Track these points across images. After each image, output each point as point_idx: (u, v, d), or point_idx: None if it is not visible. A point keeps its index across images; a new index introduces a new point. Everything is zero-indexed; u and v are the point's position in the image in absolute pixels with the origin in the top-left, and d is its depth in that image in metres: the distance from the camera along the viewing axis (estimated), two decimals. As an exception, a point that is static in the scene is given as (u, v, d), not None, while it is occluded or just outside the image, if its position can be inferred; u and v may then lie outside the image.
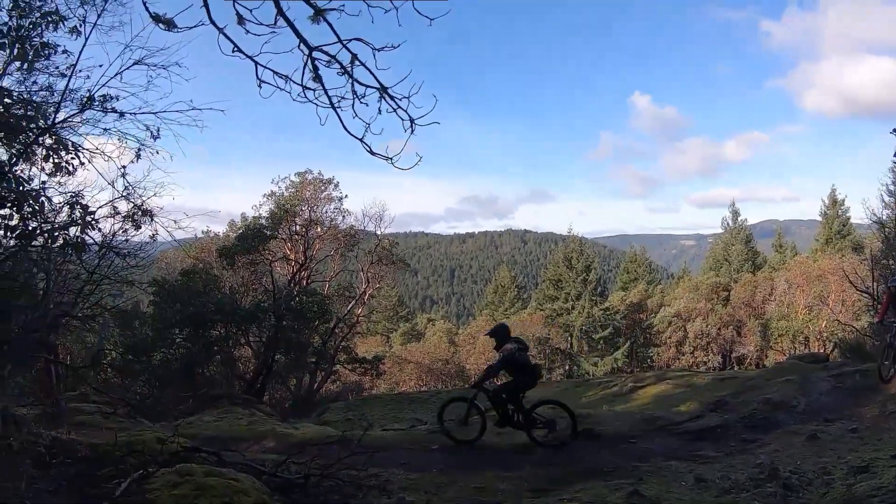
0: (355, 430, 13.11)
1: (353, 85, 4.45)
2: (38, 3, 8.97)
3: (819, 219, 64.17)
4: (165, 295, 26.99)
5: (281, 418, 19.43)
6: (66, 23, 9.09)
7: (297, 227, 33.13)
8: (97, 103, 9.78)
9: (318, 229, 34.31)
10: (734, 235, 70.52)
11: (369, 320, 44.04)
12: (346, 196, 34.65)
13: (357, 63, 4.35)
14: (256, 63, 4.30)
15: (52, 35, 9.18)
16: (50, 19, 8.97)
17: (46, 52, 9.30)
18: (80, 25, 9.13)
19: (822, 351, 38.26)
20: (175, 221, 11.00)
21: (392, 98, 4.46)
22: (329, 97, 4.43)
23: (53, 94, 9.81)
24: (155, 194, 10.74)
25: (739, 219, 72.07)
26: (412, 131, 4.54)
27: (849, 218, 60.74)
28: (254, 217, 33.32)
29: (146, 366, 25.97)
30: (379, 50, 4.29)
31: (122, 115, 10.16)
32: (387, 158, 4.52)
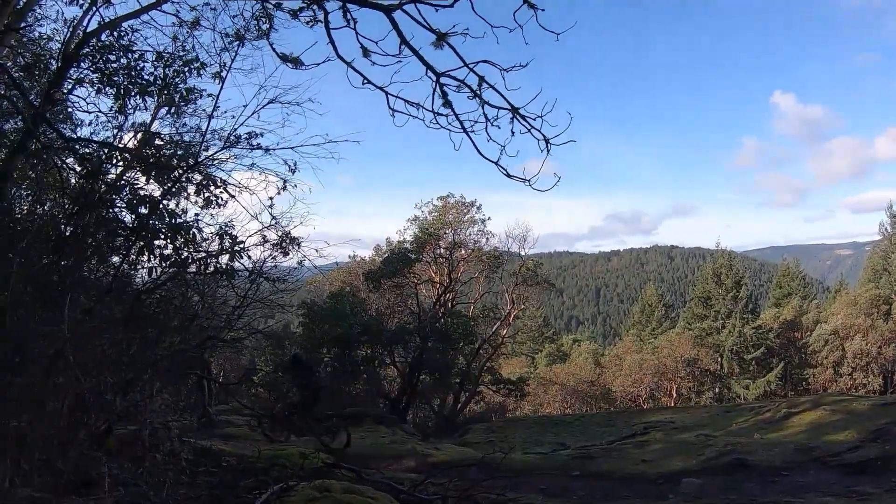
0: (496, 453, 13.02)
1: (483, 108, 4.40)
2: (182, 53, 9.58)
3: None
4: (314, 317, 27.88)
5: (422, 438, 19.63)
6: (207, 69, 9.68)
7: (441, 250, 33.69)
8: (243, 140, 10.26)
9: (462, 251, 34.58)
10: (894, 242, 66.54)
11: (514, 341, 43.89)
12: (489, 218, 34.99)
13: (486, 86, 4.30)
14: (387, 93, 4.32)
15: (195, 80, 9.80)
16: (192, 67, 9.58)
17: (192, 96, 9.93)
18: (223, 71, 9.63)
19: None
20: (317, 250, 11.43)
21: (524, 118, 4.39)
22: (461, 122, 4.42)
23: (199, 135, 10.39)
24: (301, 223, 11.11)
25: (901, 222, 67.98)
26: (548, 151, 4.45)
27: None
28: (398, 241, 34.30)
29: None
30: (507, 70, 4.23)
31: (266, 150, 10.62)
32: (524, 180, 4.46)
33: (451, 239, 33.98)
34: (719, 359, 49.95)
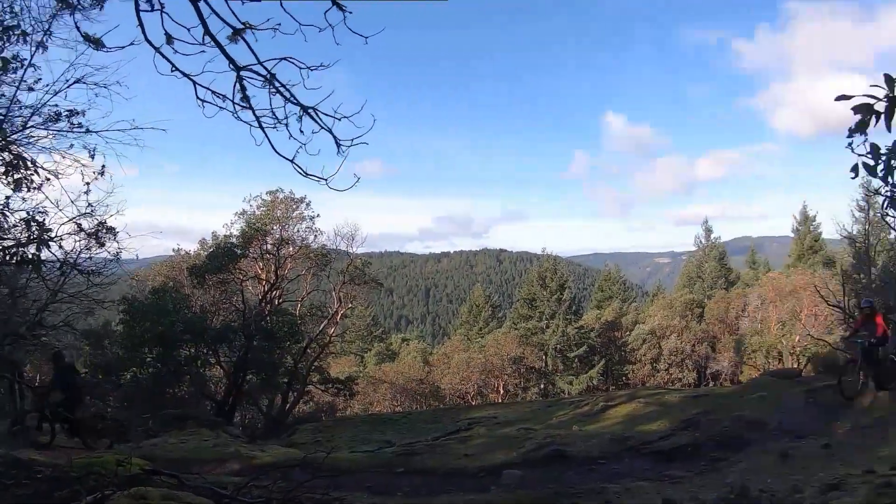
0: (321, 453, 12.87)
1: (285, 106, 4.29)
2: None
3: (791, 235, 65.02)
4: (135, 313, 26.63)
5: (249, 440, 19.18)
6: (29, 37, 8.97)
7: (269, 246, 32.87)
8: (63, 117, 9.65)
9: (290, 248, 33.93)
10: (707, 253, 71.18)
11: (342, 340, 43.55)
12: (318, 215, 34.31)
13: (277, 84, 4.19)
14: (195, 83, 4.12)
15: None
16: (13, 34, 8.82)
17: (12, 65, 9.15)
18: (45, 38, 9.03)
19: (795, 366, 38.41)
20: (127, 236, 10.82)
21: (317, 119, 4.29)
22: (257, 117, 4.25)
23: (9, 108, 9.65)
24: (118, 212, 10.57)
25: (712, 236, 72.97)
26: (339, 151, 4.37)
27: (820, 234, 61.77)
28: (224, 236, 33.01)
29: (115, 386, 25.73)
30: (312, 69, 4.13)
31: (88, 131, 10.02)
32: (320, 179, 4.34)
33: (279, 235, 33.23)
34: (544, 357, 51.27)
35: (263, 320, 28.92)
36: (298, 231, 34.01)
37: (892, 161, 3.67)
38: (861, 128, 3.45)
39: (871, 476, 8.19)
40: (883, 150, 3.69)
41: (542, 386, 50.57)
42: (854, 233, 28.89)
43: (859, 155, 3.81)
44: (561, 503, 8.69)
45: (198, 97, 4.12)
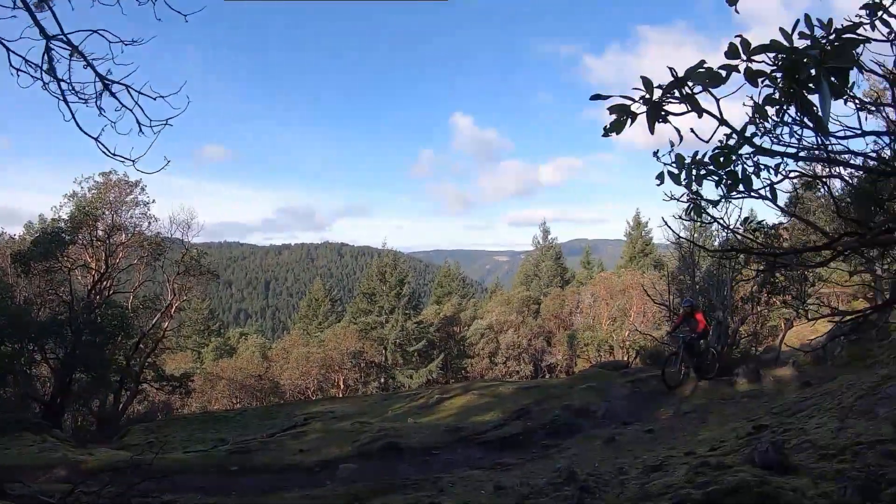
0: (154, 454, 12.45)
1: (96, 82, 4.11)
2: None
3: (624, 238, 68.63)
4: (-50, 304, 24.81)
5: (78, 444, 18.27)
6: None
7: (99, 233, 30.98)
8: None
9: (122, 236, 32.15)
10: (544, 252, 73.45)
11: (178, 335, 42.16)
12: (154, 201, 32.38)
13: (80, 56, 4.02)
14: (8, 49, 3.91)
15: None
16: None
17: None
18: None
19: (625, 359, 39.98)
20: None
21: (117, 96, 4.14)
22: (62, 90, 4.05)
23: None
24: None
25: (550, 237, 75.47)
26: (140, 131, 4.21)
27: (651, 238, 66.08)
28: (52, 219, 30.93)
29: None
30: (125, 43, 3.99)
31: None
32: (126, 160, 4.18)
33: (111, 221, 31.28)
34: (384, 351, 51.34)
35: (92, 313, 27.49)
36: (132, 217, 32.11)
37: (694, 171, 3.85)
38: (617, 128, 3.60)
39: (690, 457, 8.63)
40: (687, 161, 3.87)
41: (382, 380, 50.56)
42: (680, 238, 30.41)
43: (665, 164, 3.99)
44: (395, 494, 8.75)
45: (11, 65, 3.90)
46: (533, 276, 72.31)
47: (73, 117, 4.07)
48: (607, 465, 9.27)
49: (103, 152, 4.10)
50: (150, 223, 33.25)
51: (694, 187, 3.96)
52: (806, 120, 3.49)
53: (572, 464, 9.26)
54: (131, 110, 4.07)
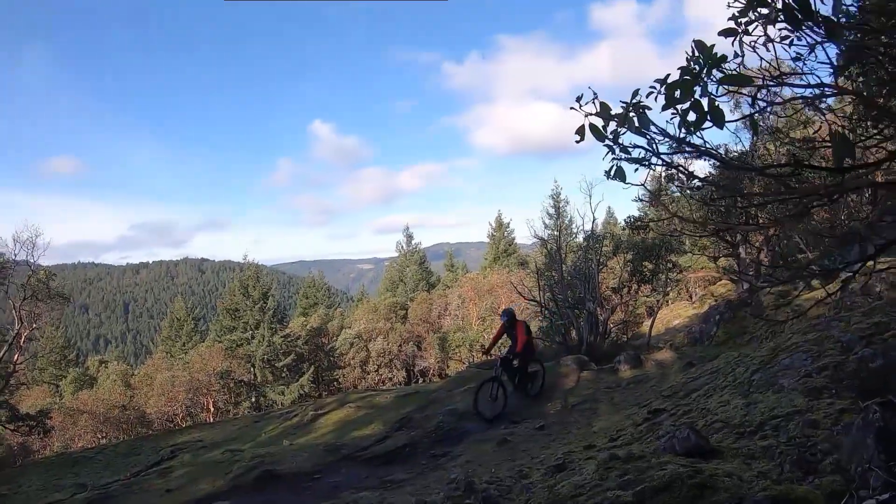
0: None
1: None
2: None
3: (487, 240, 70.79)
4: None
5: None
6: None
7: None
8: None
9: None
10: (408, 258, 73.88)
11: (32, 368, 39.66)
12: None
13: None
14: None
15: None
16: None
17: None
18: None
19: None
20: None
21: None
22: None
23: None
24: None
25: (413, 242, 76.05)
26: None
27: (513, 238, 67.99)
28: None
29: None
30: None
31: None
32: None
33: None
34: (252, 368, 50.09)
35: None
36: (-32, 236, 29.65)
37: (621, 128, 3.39)
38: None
39: (593, 451, 8.25)
40: (614, 112, 3.38)
41: (253, 399, 49.24)
42: (545, 236, 30.85)
43: (587, 115, 3.45)
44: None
45: None
46: (398, 281, 72.63)
47: None
48: (505, 469, 8.81)
49: None
50: None
51: (621, 141, 3.47)
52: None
53: (468, 472, 8.69)
54: None
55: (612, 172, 3.81)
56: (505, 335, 15.75)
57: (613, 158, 3.71)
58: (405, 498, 8.21)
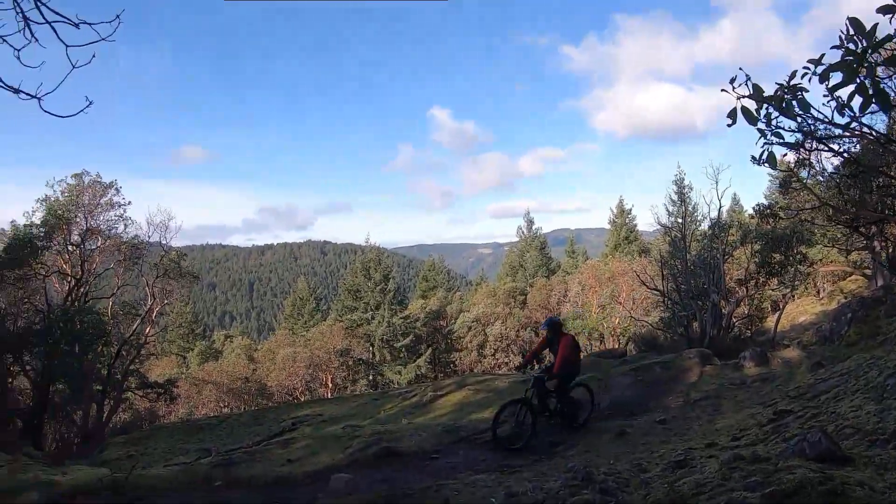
0: (134, 469, 11.66)
1: None
2: None
3: (607, 227, 69.52)
4: (-77, 318, 23.91)
5: (54, 461, 17.42)
6: None
7: (74, 237, 30.07)
8: None
9: (98, 240, 31.19)
10: (529, 243, 73.41)
11: (162, 340, 41.35)
12: (130, 203, 31.27)
13: None
14: None
15: None
16: None
17: None
18: None
19: (616, 346, 39.56)
20: None
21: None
22: None
23: None
24: None
25: (534, 227, 75.16)
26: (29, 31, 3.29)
27: (635, 225, 66.15)
28: (25, 225, 29.30)
29: None
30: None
31: None
32: (27, 95, 3.28)
33: (85, 224, 30.19)
34: (371, 347, 50.94)
35: (70, 321, 26.53)
36: (107, 220, 31.02)
37: (773, 110, 3.24)
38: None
39: (714, 450, 8.03)
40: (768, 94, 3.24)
41: (370, 377, 50.14)
42: (668, 223, 30.06)
43: (738, 97, 3.33)
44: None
45: None
46: (518, 266, 72.22)
47: None
48: (624, 462, 8.66)
49: None
50: (126, 226, 32.06)
51: (775, 123, 3.34)
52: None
53: (586, 463, 8.57)
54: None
55: (763, 157, 3.68)
56: (548, 350, 13.32)
57: (765, 143, 3.57)
58: (522, 484, 8.17)
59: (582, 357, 13.43)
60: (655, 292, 29.40)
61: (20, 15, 3.21)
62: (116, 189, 31.27)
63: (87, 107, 3.42)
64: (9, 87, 3.25)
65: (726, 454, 6.53)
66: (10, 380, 27.10)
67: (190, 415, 41.55)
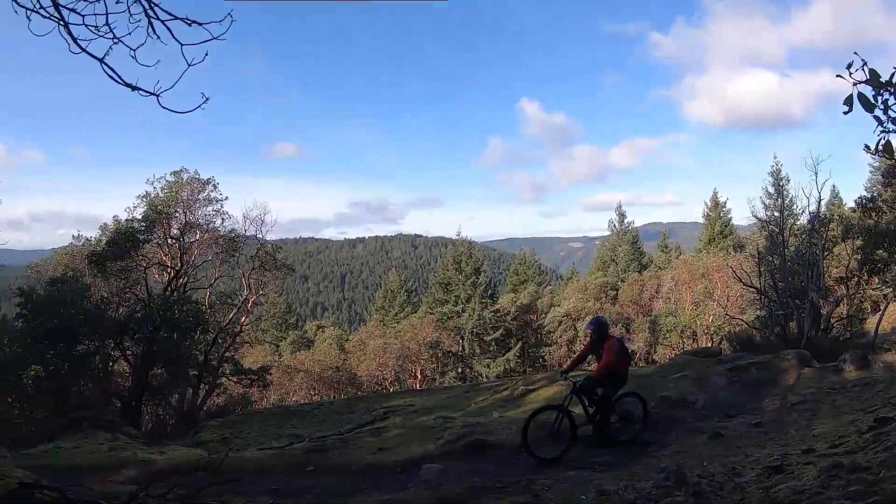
0: (227, 452, 11.94)
1: None
2: None
3: (701, 221, 67.44)
4: (32, 306, 25.01)
5: (151, 441, 17.98)
6: None
7: (174, 231, 31.29)
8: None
9: (196, 233, 32.42)
10: (621, 237, 72.30)
11: (256, 329, 42.40)
12: (227, 198, 32.59)
13: None
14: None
15: None
16: None
17: None
18: None
19: (709, 344, 38.81)
20: None
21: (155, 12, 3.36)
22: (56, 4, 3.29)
23: None
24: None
25: (626, 221, 73.92)
26: (153, 31, 3.38)
27: (730, 219, 63.72)
28: (126, 220, 30.67)
29: (15, 385, 24.17)
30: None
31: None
32: (148, 93, 3.40)
33: (184, 219, 31.50)
34: (461, 340, 51.00)
35: (169, 310, 27.46)
36: (205, 214, 32.26)
37: (890, 96, 3.11)
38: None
39: (811, 456, 7.81)
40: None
41: (459, 370, 50.22)
42: (765, 217, 29.15)
43: (855, 83, 3.21)
44: (485, 499, 8.04)
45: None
46: (610, 261, 71.23)
47: (70, 33, 3.33)
48: (717, 464, 8.48)
49: (111, 77, 3.37)
50: (223, 220, 33.35)
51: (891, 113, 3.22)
52: None
53: (678, 463, 8.42)
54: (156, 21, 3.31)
55: (879, 146, 3.54)
56: (592, 353, 12.13)
57: (882, 131, 3.43)
58: (614, 482, 8.09)
59: (629, 364, 12.35)
60: (751, 290, 28.69)
61: (141, 15, 3.32)
62: (214, 185, 32.53)
63: (204, 102, 3.53)
64: (127, 83, 3.38)
65: (825, 462, 6.38)
66: (111, 363, 28.22)
67: (281, 401, 42.51)
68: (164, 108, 3.53)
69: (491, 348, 51.67)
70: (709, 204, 65.24)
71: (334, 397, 41.36)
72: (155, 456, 12.52)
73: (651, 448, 10.65)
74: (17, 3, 3.19)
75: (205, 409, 32.83)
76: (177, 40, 3.35)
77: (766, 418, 11.45)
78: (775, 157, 29.61)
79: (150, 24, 3.33)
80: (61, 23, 3.26)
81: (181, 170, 31.94)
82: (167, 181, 31.65)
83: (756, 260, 28.55)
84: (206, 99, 3.52)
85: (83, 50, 3.31)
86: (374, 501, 8.73)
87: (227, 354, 33.30)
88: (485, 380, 40.86)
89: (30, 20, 3.22)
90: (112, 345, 27.11)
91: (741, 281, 28.99)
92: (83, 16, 3.29)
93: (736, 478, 7.40)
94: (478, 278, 53.83)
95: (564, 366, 13.48)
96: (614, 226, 74.05)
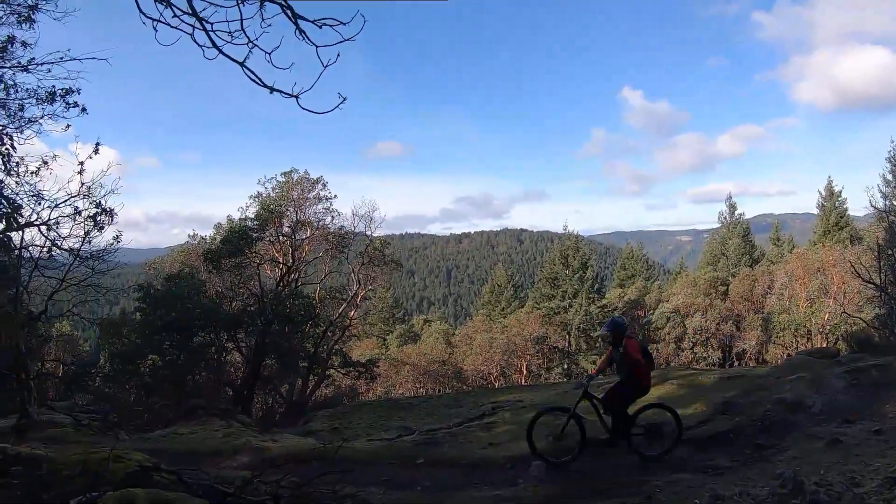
0: (338, 442, 12.15)
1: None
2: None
3: (814, 211, 64.62)
4: (151, 301, 26.24)
5: (262, 429, 18.49)
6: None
7: (285, 229, 32.36)
8: (59, 97, 9.11)
9: (307, 231, 33.39)
10: (731, 230, 69.86)
11: (364, 323, 43.11)
12: (336, 196, 33.81)
13: None
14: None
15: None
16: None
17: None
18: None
19: (825, 344, 37.56)
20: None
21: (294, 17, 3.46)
22: (193, 9, 3.41)
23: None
24: (113, 191, 9.94)
25: (737, 213, 71.46)
26: (298, 29, 3.49)
27: (846, 210, 60.47)
28: (240, 219, 32.21)
29: (133, 374, 25.42)
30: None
31: (84, 109, 9.41)
32: (290, 95, 3.51)
33: (295, 217, 32.60)
34: (567, 336, 50.77)
35: (281, 304, 28.27)
36: (315, 212, 33.28)
37: None
38: None
39: (937, 468, 7.48)
40: None
41: (565, 366, 50.00)
42: (883, 207, 27.81)
43: None
44: (596, 498, 8.00)
45: (140, 10, 3.33)
46: (720, 255, 69.00)
47: (211, 39, 3.45)
48: (835, 472, 8.16)
49: (251, 79, 3.55)
50: (332, 217, 34.38)
51: None
52: None
53: (795, 470, 8.17)
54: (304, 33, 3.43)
55: None
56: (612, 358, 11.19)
57: None
58: (728, 487, 7.93)
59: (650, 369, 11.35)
60: (870, 286, 27.53)
61: (272, 19, 3.45)
62: (323, 184, 33.69)
63: (342, 103, 3.65)
64: (266, 85, 3.52)
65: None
66: (225, 354, 29.21)
67: (388, 393, 43.28)
68: (303, 108, 3.71)
69: (598, 344, 51.20)
70: (823, 193, 62.14)
71: (439, 391, 41.82)
72: (268, 444, 12.88)
73: (766, 452, 10.35)
74: (144, 15, 3.32)
75: (313, 399, 33.61)
76: (312, 43, 3.45)
77: (888, 425, 10.96)
78: (892, 142, 28.29)
79: (297, 25, 3.44)
80: (202, 29, 3.39)
81: (291, 170, 33.31)
82: (278, 181, 33.02)
83: (875, 253, 27.31)
84: (344, 99, 3.66)
85: (222, 53, 3.46)
86: (485, 496, 8.80)
87: (336, 347, 34.05)
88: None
89: (156, 31, 3.35)
90: (226, 337, 28.12)
91: (859, 276, 27.66)
92: (212, 23, 3.42)
93: (855, 488, 7.15)
94: (585, 273, 53.50)
95: (590, 371, 12.18)
96: (724, 218, 71.54)
